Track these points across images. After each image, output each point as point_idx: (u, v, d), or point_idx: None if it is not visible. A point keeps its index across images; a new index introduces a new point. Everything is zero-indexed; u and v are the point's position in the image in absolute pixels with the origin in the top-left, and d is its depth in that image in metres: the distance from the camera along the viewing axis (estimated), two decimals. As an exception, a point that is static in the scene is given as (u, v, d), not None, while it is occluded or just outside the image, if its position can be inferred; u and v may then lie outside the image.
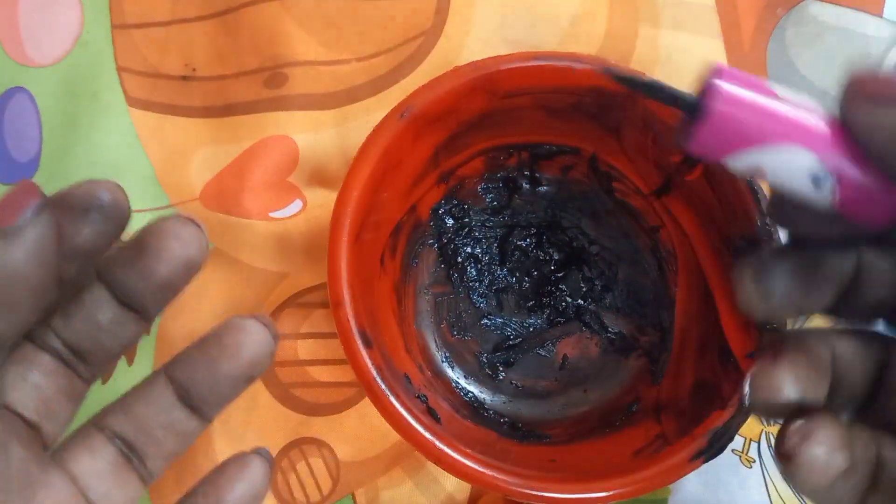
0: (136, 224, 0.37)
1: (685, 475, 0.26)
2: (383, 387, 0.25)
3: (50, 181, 0.37)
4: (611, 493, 0.26)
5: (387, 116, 0.27)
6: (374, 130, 0.27)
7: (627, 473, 0.26)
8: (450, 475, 0.34)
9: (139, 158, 0.37)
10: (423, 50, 0.37)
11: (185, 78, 0.38)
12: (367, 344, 0.26)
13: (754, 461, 0.36)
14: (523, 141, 0.33)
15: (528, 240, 0.35)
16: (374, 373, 0.25)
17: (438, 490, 0.34)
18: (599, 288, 0.35)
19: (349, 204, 0.27)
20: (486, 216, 0.35)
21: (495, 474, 0.26)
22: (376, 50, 0.38)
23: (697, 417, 0.27)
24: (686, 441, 0.27)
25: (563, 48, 0.37)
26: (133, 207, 0.38)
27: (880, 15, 0.38)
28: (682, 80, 0.37)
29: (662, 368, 0.32)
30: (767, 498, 0.35)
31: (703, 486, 0.35)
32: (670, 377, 0.32)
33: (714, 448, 0.26)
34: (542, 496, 0.25)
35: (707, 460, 0.26)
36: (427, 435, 0.25)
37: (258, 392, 0.35)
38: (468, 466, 0.25)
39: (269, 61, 0.37)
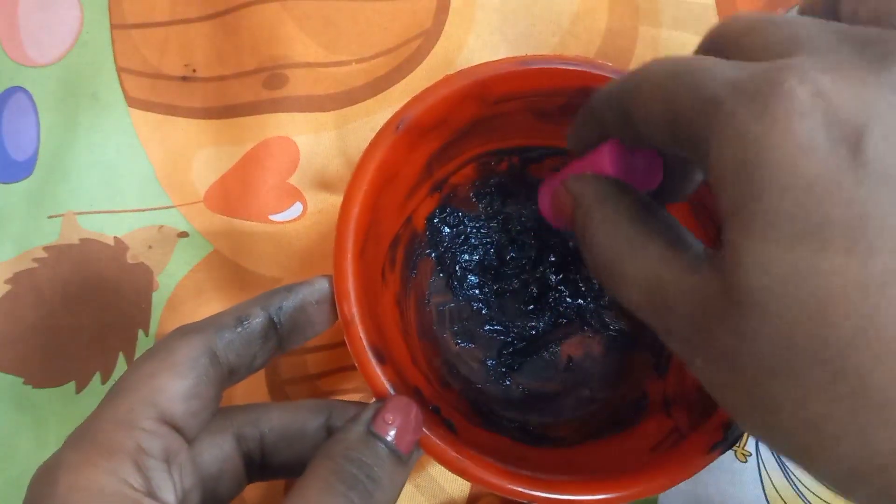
0: (134, 222, 0.37)
1: (703, 468, 0.26)
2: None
3: (47, 180, 0.37)
4: (633, 490, 0.25)
5: (382, 130, 0.27)
6: (370, 145, 0.27)
7: (647, 470, 0.26)
8: (450, 478, 0.34)
9: (139, 159, 0.37)
10: (423, 50, 0.37)
11: (184, 78, 0.38)
12: (381, 360, 0.25)
13: (750, 454, 0.35)
14: (513, 145, 0.33)
15: (524, 244, 0.35)
16: (391, 390, 0.25)
17: (438, 491, 0.34)
18: (598, 286, 0.35)
19: (351, 220, 0.26)
20: (481, 223, 0.35)
21: (518, 482, 0.25)
22: (376, 51, 0.38)
23: (708, 409, 0.27)
24: (700, 434, 0.26)
25: (563, 47, 0.37)
26: (133, 207, 0.38)
27: (880, 15, 0.38)
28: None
29: (667, 362, 0.32)
30: (763, 494, 0.35)
31: (694, 482, 0.35)
32: (676, 370, 0.32)
33: (730, 439, 0.26)
34: (567, 500, 0.25)
35: (724, 451, 0.26)
36: (448, 449, 0.25)
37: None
38: (492, 477, 0.25)
39: (268, 62, 0.37)
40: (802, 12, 0.20)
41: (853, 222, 0.15)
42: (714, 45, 0.19)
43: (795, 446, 0.17)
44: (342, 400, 0.26)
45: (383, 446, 0.22)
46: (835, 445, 0.16)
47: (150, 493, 0.20)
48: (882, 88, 0.15)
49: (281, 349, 0.25)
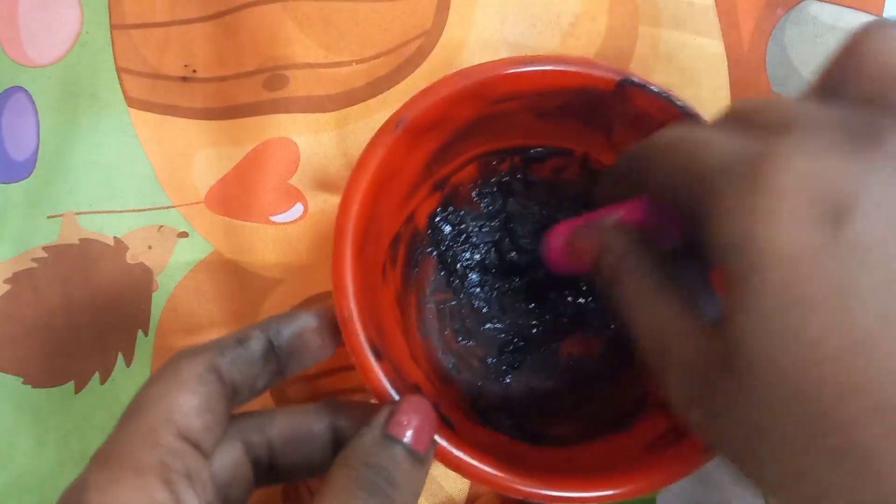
0: (134, 222, 0.37)
1: (699, 467, 0.26)
2: (397, 399, 0.25)
3: (47, 180, 0.37)
4: (628, 487, 0.25)
5: (381, 129, 0.27)
6: (369, 143, 0.27)
7: (643, 468, 0.26)
8: (449, 476, 0.34)
9: (138, 159, 0.37)
10: (424, 50, 0.38)
11: (184, 79, 0.38)
12: (378, 357, 0.25)
13: (751, 454, 0.35)
14: (515, 145, 0.33)
15: (524, 242, 0.35)
16: (389, 386, 0.25)
17: (437, 489, 0.34)
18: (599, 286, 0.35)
19: (350, 218, 0.26)
20: (483, 221, 0.35)
21: (513, 478, 0.25)
22: (376, 51, 0.38)
23: None
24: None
25: (563, 48, 0.37)
26: (133, 207, 0.38)
27: (880, 15, 0.38)
28: (681, 80, 0.37)
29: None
30: (763, 493, 0.35)
31: (693, 483, 0.35)
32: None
33: None
34: (560, 496, 0.25)
35: None
36: (446, 444, 0.25)
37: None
38: (488, 473, 0.25)
39: (268, 62, 0.37)
40: (808, 93, 0.21)
41: (833, 293, 0.16)
42: (731, 118, 0.21)
43: (784, 497, 0.18)
44: (346, 401, 0.26)
45: (400, 448, 0.22)
46: (821, 498, 0.17)
47: None
48: (867, 166, 0.16)
49: (282, 373, 0.25)
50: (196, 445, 0.22)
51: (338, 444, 0.25)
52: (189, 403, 0.22)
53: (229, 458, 0.24)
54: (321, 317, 0.25)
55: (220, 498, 0.23)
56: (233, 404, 0.24)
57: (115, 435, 0.21)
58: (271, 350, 0.24)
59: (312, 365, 0.26)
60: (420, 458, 0.23)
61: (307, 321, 0.25)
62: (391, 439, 0.23)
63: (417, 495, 0.23)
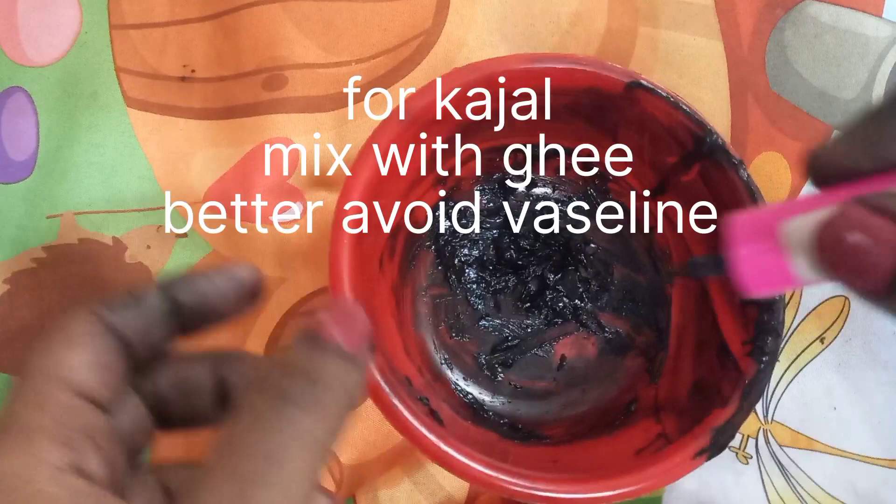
0: (133, 222, 0.37)
1: (687, 473, 0.26)
2: (387, 390, 0.25)
3: (46, 180, 0.37)
4: (615, 492, 0.26)
5: (386, 119, 0.27)
6: (373, 133, 0.27)
7: (630, 472, 0.26)
8: (448, 475, 0.34)
9: (138, 159, 0.37)
10: (423, 49, 0.37)
11: (183, 79, 0.38)
12: (371, 348, 0.25)
13: (751, 457, 0.35)
14: (519, 142, 0.33)
15: (524, 241, 0.35)
16: (380, 378, 0.25)
17: (436, 489, 0.34)
18: (595, 288, 0.35)
19: (349, 209, 0.26)
20: (483, 217, 0.35)
21: (500, 475, 0.25)
22: (376, 51, 0.38)
23: (698, 416, 0.27)
24: (687, 439, 0.27)
25: (562, 47, 0.37)
26: (131, 207, 0.38)
27: (879, 15, 0.38)
28: (681, 80, 0.37)
29: (660, 367, 0.32)
30: (764, 495, 0.35)
31: (699, 483, 0.35)
32: (668, 376, 0.32)
33: (716, 446, 0.26)
34: (546, 496, 0.25)
35: (710, 458, 0.26)
36: (432, 438, 0.25)
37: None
38: (474, 469, 0.25)
39: (267, 62, 0.37)
40: None
41: None
42: None
43: None
44: (232, 351, 0.24)
45: (323, 344, 0.19)
46: None
47: (76, 468, 0.19)
48: None
49: (186, 331, 0.23)
50: (93, 401, 0.20)
51: (224, 397, 0.23)
52: (80, 359, 0.20)
53: (127, 411, 0.22)
54: (231, 275, 0.22)
55: (124, 451, 0.21)
56: (131, 360, 0.22)
57: (5, 404, 0.19)
58: (172, 307, 0.22)
59: (224, 324, 0.23)
60: (348, 356, 0.19)
61: (212, 283, 0.22)
62: (311, 337, 0.19)
63: (353, 398, 0.19)
